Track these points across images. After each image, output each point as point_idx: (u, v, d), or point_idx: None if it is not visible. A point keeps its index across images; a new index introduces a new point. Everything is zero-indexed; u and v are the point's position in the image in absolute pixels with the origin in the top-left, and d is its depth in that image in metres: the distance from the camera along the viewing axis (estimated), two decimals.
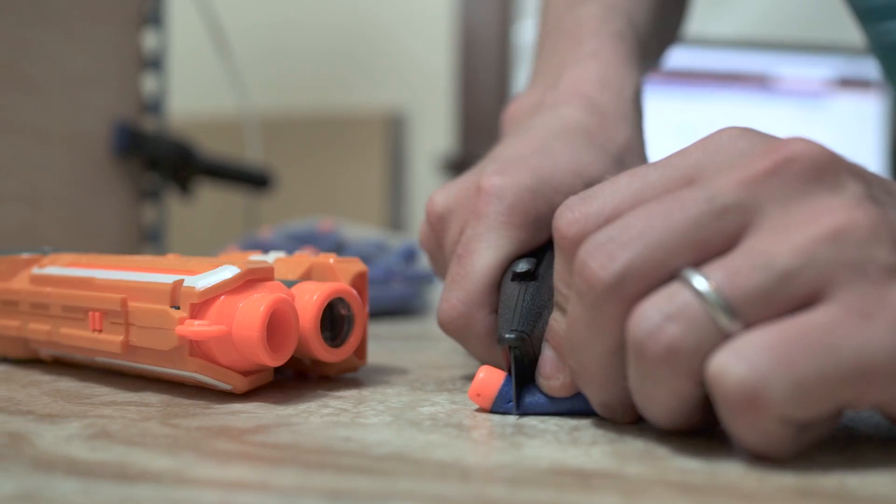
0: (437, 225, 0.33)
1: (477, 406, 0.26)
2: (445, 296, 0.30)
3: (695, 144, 0.23)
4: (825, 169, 0.20)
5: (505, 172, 0.31)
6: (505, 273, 0.29)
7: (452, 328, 0.30)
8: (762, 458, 0.20)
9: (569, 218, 0.22)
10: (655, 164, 0.23)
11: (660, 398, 0.20)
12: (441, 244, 0.33)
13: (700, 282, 0.19)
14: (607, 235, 0.21)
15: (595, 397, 0.23)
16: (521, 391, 0.25)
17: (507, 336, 0.25)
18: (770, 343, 0.18)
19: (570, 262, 0.22)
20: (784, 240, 0.19)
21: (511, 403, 0.25)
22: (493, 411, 0.25)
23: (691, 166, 0.22)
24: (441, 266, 0.34)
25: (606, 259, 0.20)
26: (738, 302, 0.19)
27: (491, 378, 0.25)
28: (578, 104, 0.36)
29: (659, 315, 0.19)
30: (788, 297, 0.19)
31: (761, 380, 0.18)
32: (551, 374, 0.24)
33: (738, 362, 0.18)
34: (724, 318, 0.19)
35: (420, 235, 0.34)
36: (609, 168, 0.33)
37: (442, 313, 0.30)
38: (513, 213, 0.30)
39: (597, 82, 0.38)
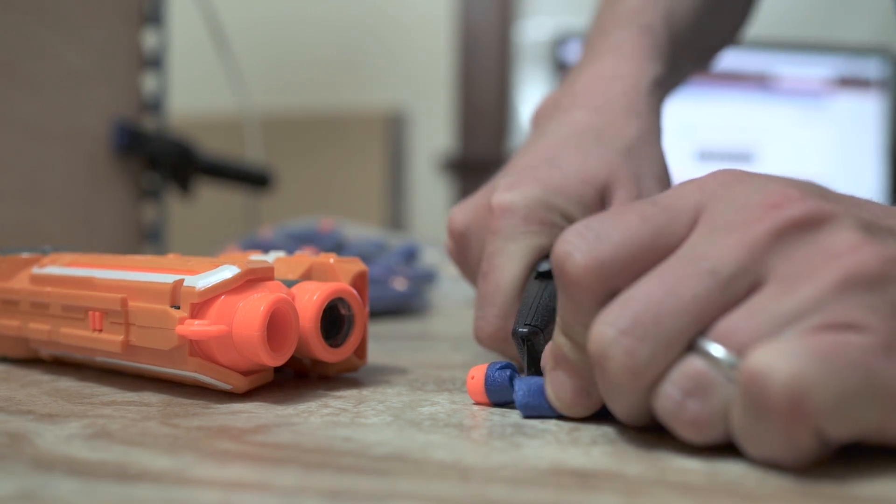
0: (460, 242, 0.35)
1: (475, 402, 0.26)
2: (479, 314, 0.31)
3: (688, 185, 0.22)
4: (823, 217, 0.20)
5: (514, 188, 0.32)
6: (531, 274, 0.31)
7: (491, 342, 0.31)
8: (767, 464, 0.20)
9: (579, 263, 0.21)
10: (659, 203, 0.22)
11: (705, 442, 0.20)
12: (466, 258, 0.35)
13: (716, 349, 0.19)
14: (618, 327, 0.20)
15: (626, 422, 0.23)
16: (528, 391, 0.25)
17: (520, 329, 0.27)
18: (815, 348, 0.18)
19: (580, 306, 0.22)
20: (792, 292, 0.19)
21: (512, 393, 0.25)
22: (489, 398, 0.26)
23: (692, 208, 0.22)
24: (469, 275, 0.36)
25: (627, 358, 0.20)
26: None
27: (482, 366, 0.26)
28: (588, 105, 0.37)
29: (678, 393, 0.19)
30: (807, 329, 0.19)
31: (811, 382, 0.17)
32: (574, 402, 0.24)
33: (784, 360, 0.18)
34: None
35: (447, 249, 0.36)
36: (618, 163, 0.34)
37: (479, 330, 0.31)
38: (527, 224, 0.31)
39: (610, 77, 0.38)
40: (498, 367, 0.26)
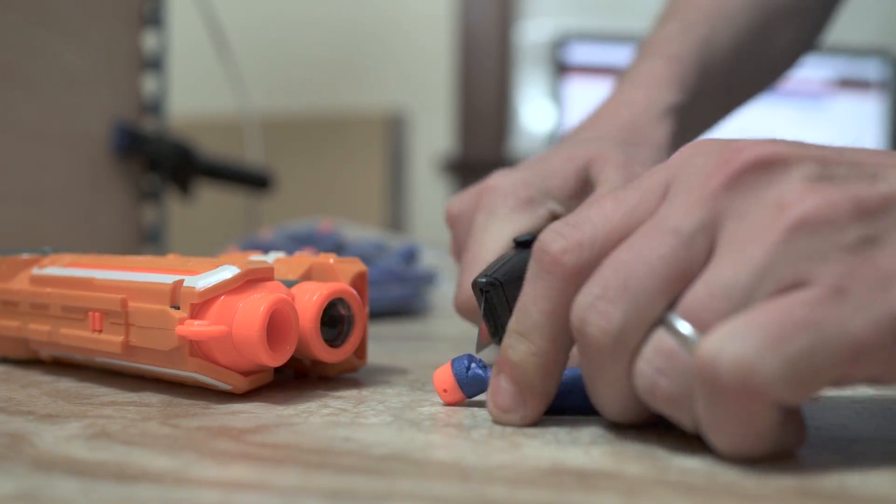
0: (454, 226, 0.38)
1: (447, 403, 0.26)
2: (459, 282, 0.34)
3: (661, 165, 0.23)
4: (772, 163, 0.20)
5: (504, 175, 0.35)
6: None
7: (465, 309, 0.33)
8: (738, 460, 0.20)
9: (562, 245, 0.22)
10: (632, 186, 0.23)
11: (682, 423, 0.20)
12: (459, 242, 0.38)
13: (683, 326, 0.19)
14: (593, 294, 0.21)
15: (611, 416, 0.23)
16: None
17: (480, 280, 0.28)
18: (759, 322, 0.18)
19: (562, 290, 0.22)
20: (744, 258, 0.19)
21: (473, 367, 0.26)
22: (467, 394, 0.26)
23: (661, 184, 0.22)
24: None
25: (603, 321, 0.20)
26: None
27: (443, 370, 0.26)
28: (596, 128, 0.40)
29: (651, 371, 0.20)
30: (763, 296, 0.19)
31: (756, 358, 0.18)
32: (510, 408, 0.23)
33: (730, 342, 0.18)
34: None
35: (449, 248, 0.39)
36: (607, 146, 0.36)
37: (456, 298, 0.34)
38: (507, 199, 0.34)
39: (623, 105, 0.41)
40: (462, 362, 0.26)
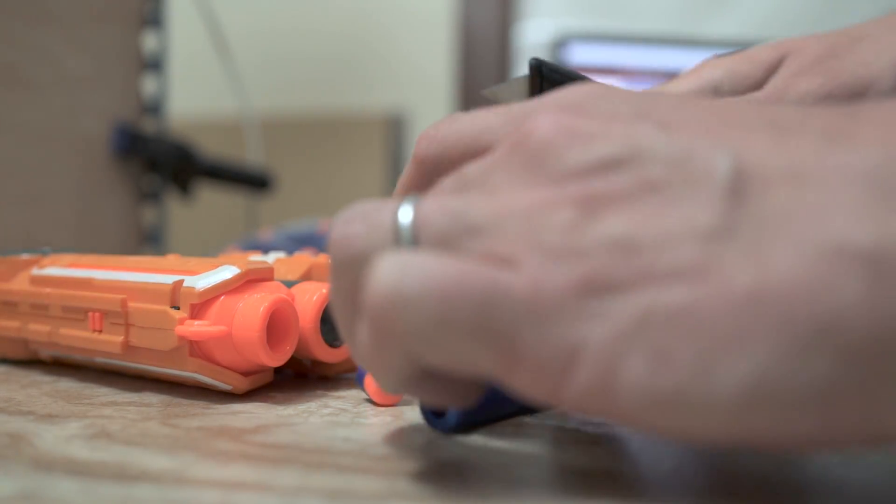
0: None
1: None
2: None
3: None
4: (546, 149, 0.17)
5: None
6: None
7: None
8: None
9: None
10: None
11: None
12: None
13: (405, 214, 0.18)
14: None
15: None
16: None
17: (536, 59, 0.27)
18: (452, 267, 0.16)
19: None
20: (489, 199, 0.17)
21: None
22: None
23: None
24: None
25: (341, 236, 0.19)
26: (421, 237, 0.17)
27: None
28: (867, 21, 0.36)
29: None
30: (471, 251, 0.17)
31: (413, 302, 0.16)
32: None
33: (409, 269, 0.16)
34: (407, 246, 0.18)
35: None
36: (819, 41, 0.33)
37: None
38: (691, 74, 0.34)
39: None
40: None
